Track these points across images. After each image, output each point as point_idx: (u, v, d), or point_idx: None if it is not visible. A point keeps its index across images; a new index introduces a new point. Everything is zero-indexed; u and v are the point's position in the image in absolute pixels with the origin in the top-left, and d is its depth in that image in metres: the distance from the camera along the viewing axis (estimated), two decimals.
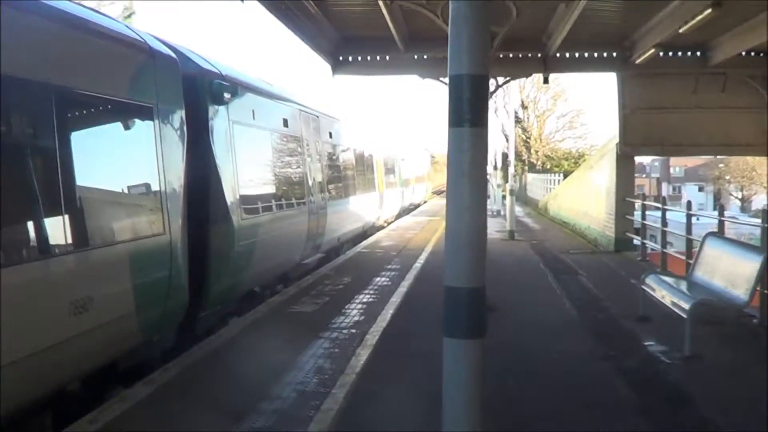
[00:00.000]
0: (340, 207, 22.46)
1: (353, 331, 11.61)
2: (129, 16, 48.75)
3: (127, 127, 9.42)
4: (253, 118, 14.31)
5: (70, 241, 7.75)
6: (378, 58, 20.57)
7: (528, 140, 71.65)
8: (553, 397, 8.40)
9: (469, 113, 4.37)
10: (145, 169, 9.68)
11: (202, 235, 11.63)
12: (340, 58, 20.80)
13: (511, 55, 20.03)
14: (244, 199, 13.23)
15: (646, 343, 10.71)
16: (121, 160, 9.22)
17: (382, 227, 33.10)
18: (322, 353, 10.25)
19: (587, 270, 18.32)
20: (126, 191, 9.37)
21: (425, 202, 57.68)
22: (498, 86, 20.65)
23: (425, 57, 19.65)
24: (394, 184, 37.68)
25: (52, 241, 7.43)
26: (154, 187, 9.75)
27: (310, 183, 18.65)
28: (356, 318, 12.62)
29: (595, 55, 19.75)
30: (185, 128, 10.66)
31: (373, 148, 30.89)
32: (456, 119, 4.41)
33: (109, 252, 8.50)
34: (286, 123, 16.79)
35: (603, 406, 8.07)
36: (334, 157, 22.75)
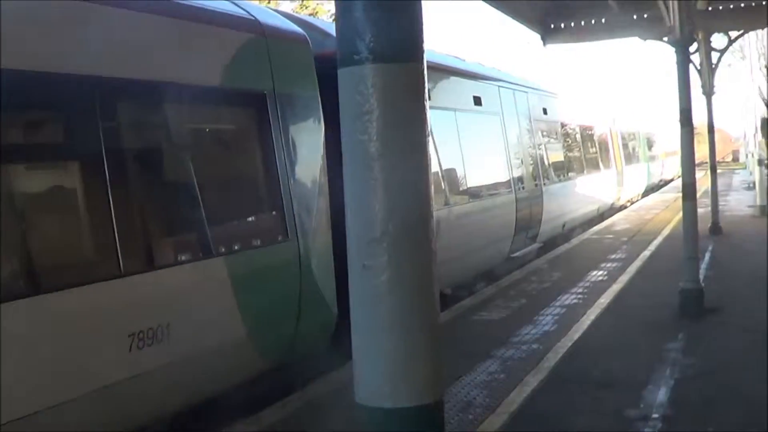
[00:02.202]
0: (562, 191, 20.23)
1: (534, 347, 9.61)
2: None
3: (223, 119, 8.03)
4: (428, 97, 12.47)
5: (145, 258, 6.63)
6: (593, 21, 18.21)
7: None
8: None
9: (369, 36, 2.41)
10: (256, 165, 8.33)
11: None
12: (551, 25, 18.60)
13: (742, 5, 17.06)
14: None
15: None
16: (215, 157, 7.84)
17: (624, 207, 30.35)
18: (482, 381, 8.35)
19: None
20: (224, 194, 7.94)
21: (680, 176, 53.45)
22: (731, 41, 17.68)
23: (645, 16, 17.05)
24: (637, 160, 34.61)
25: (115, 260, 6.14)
26: (271, 187, 8.27)
27: (517, 167, 16.64)
28: (546, 328, 10.58)
29: None
30: (321, 114, 9.08)
31: (606, 123, 28.19)
32: (344, 50, 2.48)
33: (200, 269, 7.11)
34: (478, 101, 14.91)
35: None
36: (551, 136, 20.56)
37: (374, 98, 2.41)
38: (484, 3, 15.15)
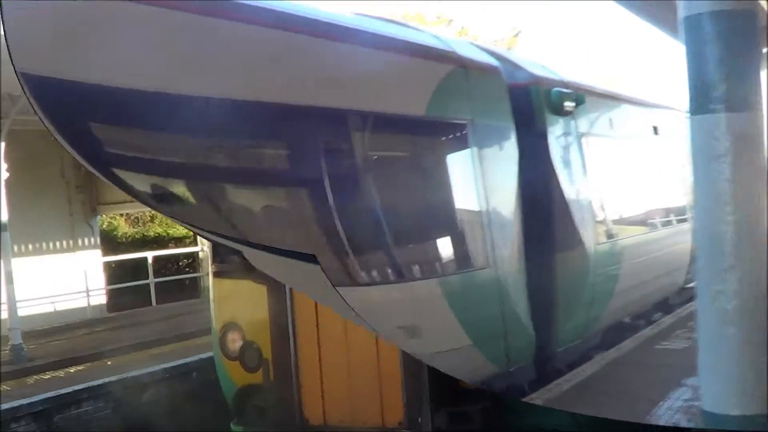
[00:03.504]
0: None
1: None
2: (516, 35, 47.94)
3: (429, 148, 8.36)
4: (611, 127, 12.55)
5: None
6: None
7: None
8: None
9: (723, 88, 2.58)
10: (456, 194, 8.62)
11: (550, 263, 10.16)
12: None
13: None
14: (601, 221, 11.53)
15: None
16: (420, 186, 8.20)
17: None
18: (680, 407, 8.36)
19: None
20: (431, 222, 8.29)
21: None
22: None
23: None
24: None
25: None
26: (472, 216, 8.60)
27: (692, 195, 16.35)
28: None
29: None
30: (515, 144, 9.36)
31: None
32: (698, 100, 2.67)
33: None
34: (655, 130, 14.84)
35: None
36: None
37: (728, 143, 2.73)
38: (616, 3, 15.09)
